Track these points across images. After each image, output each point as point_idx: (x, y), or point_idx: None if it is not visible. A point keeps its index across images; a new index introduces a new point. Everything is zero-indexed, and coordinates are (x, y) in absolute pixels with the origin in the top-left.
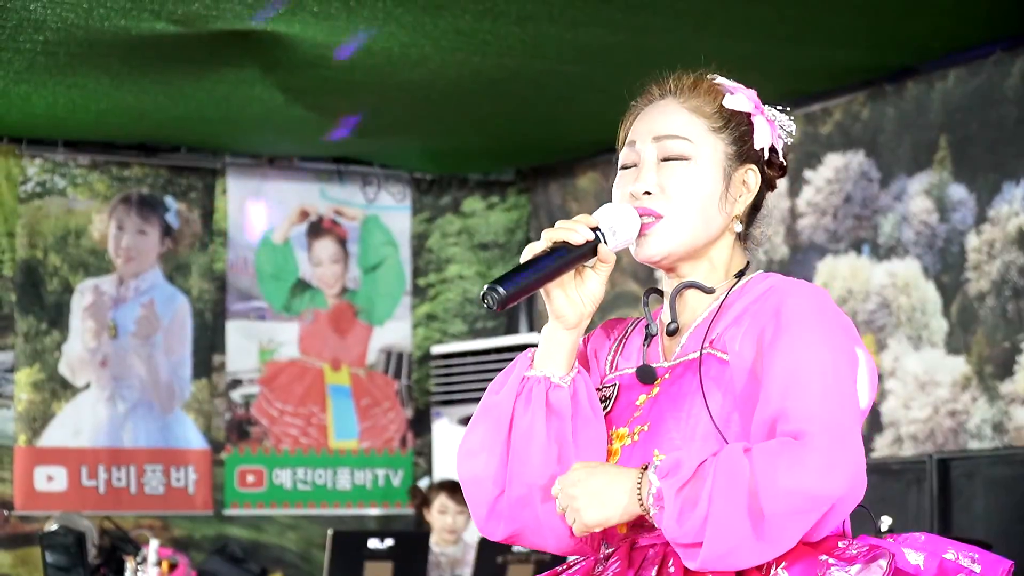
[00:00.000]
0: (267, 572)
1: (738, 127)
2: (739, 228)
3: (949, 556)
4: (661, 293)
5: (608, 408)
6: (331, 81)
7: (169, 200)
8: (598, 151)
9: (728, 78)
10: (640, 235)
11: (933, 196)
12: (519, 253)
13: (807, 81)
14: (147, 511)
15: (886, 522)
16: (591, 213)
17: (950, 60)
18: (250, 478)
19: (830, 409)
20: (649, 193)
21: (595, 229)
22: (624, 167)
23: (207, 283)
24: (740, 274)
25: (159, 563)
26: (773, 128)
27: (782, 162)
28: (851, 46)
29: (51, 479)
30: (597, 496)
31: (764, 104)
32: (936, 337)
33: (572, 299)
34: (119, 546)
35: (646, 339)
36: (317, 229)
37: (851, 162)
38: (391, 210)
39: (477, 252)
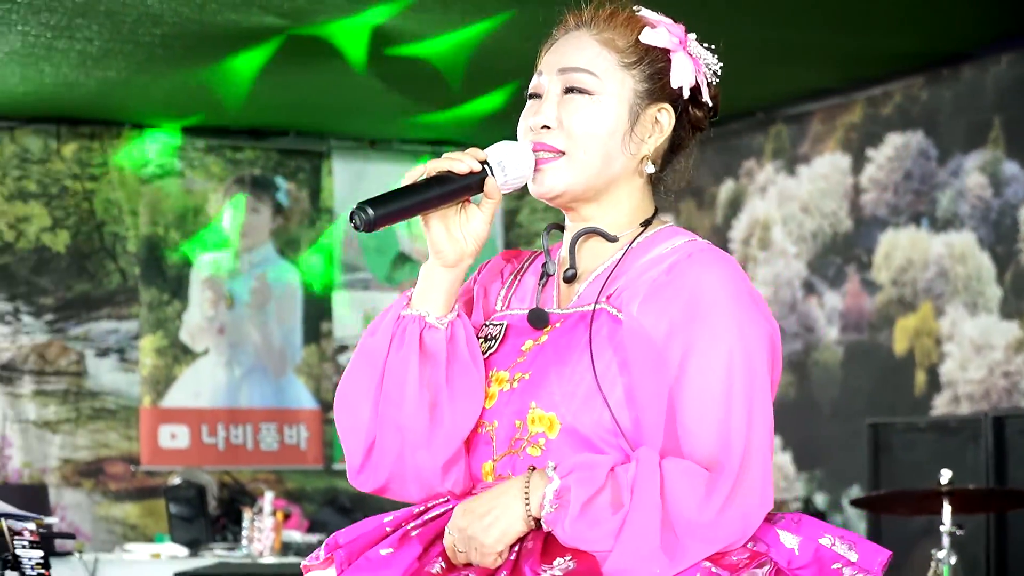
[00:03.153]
0: None
1: (653, 63)
2: (651, 169)
3: (825, 541)
4: (563, 229)
5: (493, 348)
6: (425, 69)
7: (279, 180)
8: None
9: (783, 62)
10: (536, 170)
11: (987, 172)
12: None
13: (869, 67)
14: (262, 466)
15: (946, 475)
16: (672, 192)
17: (1002, 46)
18: None
19: (750, 444)
20: (548, 128)
21: (484, 163)
22: (530, 96)
23: (315, 257)
24: (647, 223)
25: (274, 513)
26: (697, 66)
27: (709, 103)
28: (909, 33)
29: (174, 437)
30: (487, 516)
31: (702, 45)
32: (991, 303)
33: (453, 235)
34: (237, 498)
35: (542, 278)
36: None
37: (910, 141)
38: None
39: (558, 233)
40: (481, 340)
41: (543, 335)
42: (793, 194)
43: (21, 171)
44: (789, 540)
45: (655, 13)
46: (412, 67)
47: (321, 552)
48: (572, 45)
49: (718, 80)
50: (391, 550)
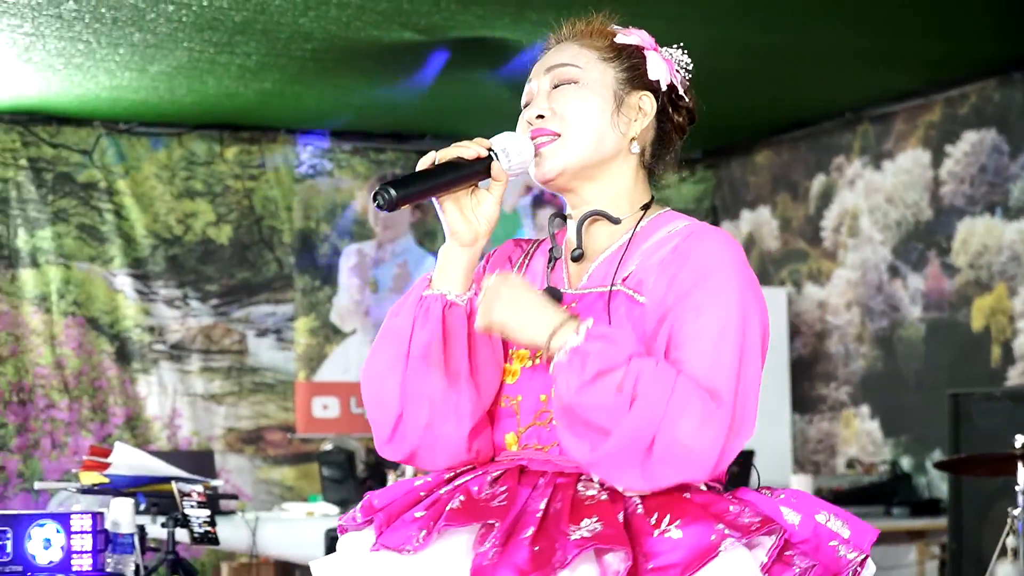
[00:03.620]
0: None
1: (630, 58)
2: (636, 149)
3: (820, 518)
4: (565, 218)
5: None
6: None
7: None
8: (771, 132)
9: (869, 67)
10: (536, 155)
11: None
12: (705, 218)
13: (947, 71)
14: None
15: (1020, 440)
16: (767, 186)
17: None
18: None
19: (743, 385)
20: (542, 116)
21: (489, 150)
22: (524, 105)
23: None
24: (646, 207)
25: (415, 475)
26: (670, 65)
27: (689, 105)
28: (983, 40)
29: (326, 408)
30: (516, 305)
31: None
32: None
33: (467, 217)
34: (381, 462)
35: (550, 262)
36: (539, 200)
37: (985, 138)
38: None
39: None
40: None
41: None
42: (879, 187)
43: (188, 172)
44: (791, 516)
45: (625, 29)
46: None
47: (358, 514)
48: (553, 53)
49: (690, 76)
50: (424, 513)
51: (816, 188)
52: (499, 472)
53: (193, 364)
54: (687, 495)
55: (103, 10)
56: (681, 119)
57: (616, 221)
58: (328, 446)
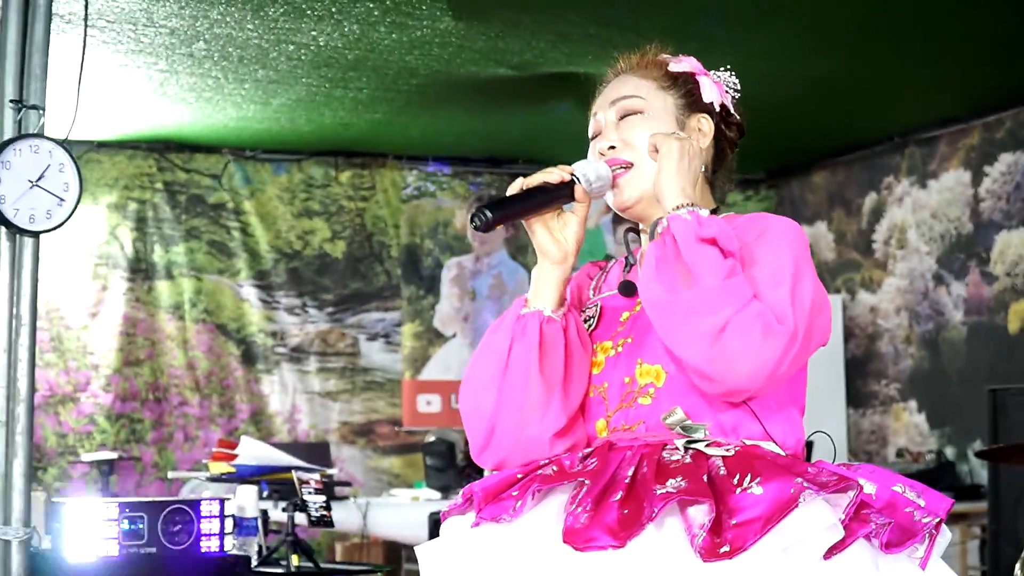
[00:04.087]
0: None
1: (685, 84)
2: (701, 169)
3: (897, 488)
4: (638, 232)
5: (593, 326)
6: None
7: None
8: (827, 154)
9: (915, 95)
10: (614, 186)
11: None
12: None
13: (985, 99)
14: None
15: None
16: (823, 203)
17: None
18: None
19: (805, 312)
20: (613, 147)
21: (572, 175)
22: (592, 138)
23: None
24: (713, 212)
25: None
26: (720, 87)
27: (739, 121)
28: (1018, 70)
29: (429, 404)
30: (679, 161)
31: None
32: None
33: (555, 237)
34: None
35: (626, 268)
36: (619, 217)
37: (1020, 159)
38: None
39: None
40: (584, 322)
41: (637, 305)
42: (924, 203)
43: (307, 194)
44: (868, 486)
45: (671, 56)
46: None
47: (460, 500)
48: (615, 85)
49: (738, 94)
50: (519, 492)
51: (868, 205)
52: (589, 450)
53: (311, 365)
54: (768, 456)
55: (230, 49)
56: (733, 134)
57: None
58: (431, 438)
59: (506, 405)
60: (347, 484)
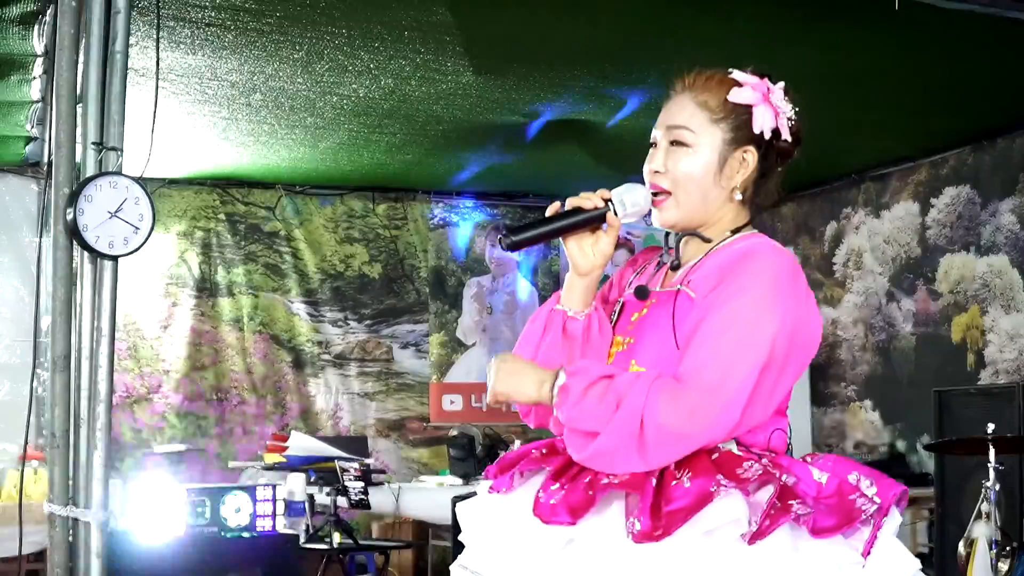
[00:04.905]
0: None
1: (738, 117)
2: (739, 197)
3: (851, 478)
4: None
5: (615, 320)
6: (624, 150)
7: None
8: (794, 189)
9: (871, 138)
10: (655, 206)
11: (1017, 213)
12: None
13: (931, 140)
14: (513, 422)
15: (991, 427)
16: (791, 231)
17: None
18: None
19: (718, 363)
20: (659, 172)
21: (607, 200)
22: (652, 144)
23: (547, 279)
24: (737, 230)
25: None
26: (776, 113)
27: (789, 144)
28: (959, 116)
29: (452, 403)
30: (511, 376)
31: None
32: (1020, 305)
33: (585, 252)
34: (496, 444)
35: (659, 266)
36: (617, 244)
37: (961, 193)
38: (661, 230)
39: None
40: (613, 314)
41: (645, 308)
42: (878, 231)
43: (348, 224)
44: (818, 474)
45: (746, 73)
46: (617, 145)
47: (494, 466)
48: (676, 106)
49: (795, 122)
50: (520, 467)
51: (829, 232)
52: None
53: (351, 370)
54: (714, 456)
55: (283, 100)
56: (786, 145)
57: (707, 240)
58: (454, 432)
59: None
60: (382, 472)
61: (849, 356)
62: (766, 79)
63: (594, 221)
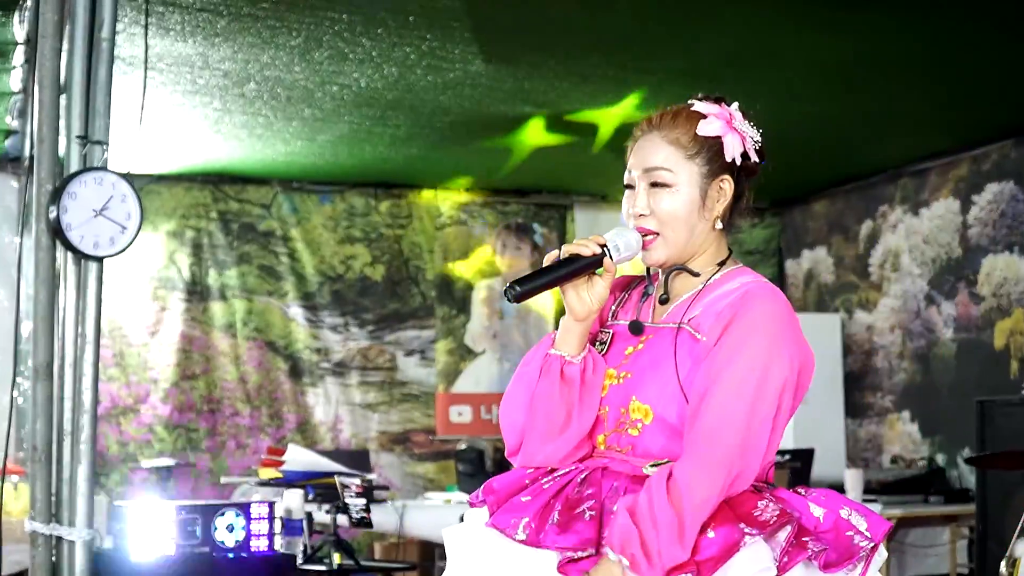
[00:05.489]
0: None
1: (710, 149)
2: (719, 226)
3: (843, 513)
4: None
5: (604, 350)
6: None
7: (536, 226)
8: (827, 185)
9: (909, 131)
10: (644, 248)
11: None
12: (772, 256)
13: (973, 134)
14: None
15: None
16: (823, 230)
17: None
18: None
19: (747, 432)
20: (644, 215)
21: (603, 245)
22: (627, 186)
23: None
24: (722, 263)
25: None
26: (743, 139)
27: (755, 164)
28: (1003, 107)
29: (460, 414)
30: None
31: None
32: None
33: (582, 298)
34: (506, 459)
35: (643, 297)
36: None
37: (1004, 189)
38: None
39: (743, 258)
40: (596, 344)
41: (640, 343)
42: (917, 230)
43: (349, 222)
44: (816, 511)
45: (706, 103)
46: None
47: (481, 493)
48: (649, 147)
49: (759, 142)
50: (529, 498)
51: (864, 231)
52: (587, 473)
53: (352, 379)
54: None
55: (279, 90)
56: (751, 164)
57: (696, 274)
58: (462, 445)
59: (531, 426)
60: (385, 488)
61: (885, 364)
62: (723, 104)
63: (593, 267)
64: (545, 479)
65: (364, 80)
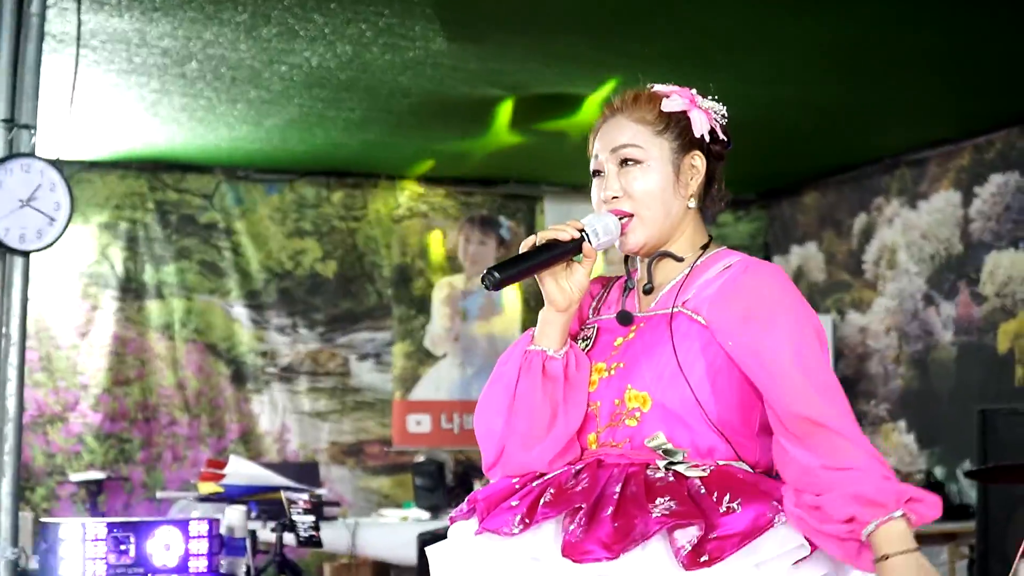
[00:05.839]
0: None
1: (678, 124)
2: (693, 204)
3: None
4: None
5: (589, 346)
6: None
7: (502, 219)
8: (818, 175)
9: (905, 118)
10: (622, 232)
11: None
12: (758, 252)
13: (975, 121)
14: None
15: None
16: (814, 224)
17: None
18: None
19: (842, 399)
20: (616, 197)
21: (581, 230)
22: (594, 174)
23: (530, 279)
24: (705, 247)
25: None
26: (709, 116)
27: (725, 141)
28: (1008, 93)
29: (419, 423)
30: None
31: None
32: None
33: (562, 287)
34: (469, 472)
35: (625, 291)
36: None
37: (1009, 180)
38: None
39: None
40: (579, 341)
41: (631, 333)
42: (914, 224)
43: (299, 214)
44: None
45: (664, 85)
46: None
47: (464, 507)
48: (614, 129)
49: (726, 120)
50: (519, 502)
51: (858, 226)
52: (581, 466)
53: (301, 385)
54: (740, 476)
55: (223, 70)
56: (719, 148)
57: (679, 259)
58: (421, 458)
59: (513, 430)
60: (336, 504)
61: (880, 369)
62: (687, 88)
63: (572, 253)
64: (535, 482)
65: (316, 59)
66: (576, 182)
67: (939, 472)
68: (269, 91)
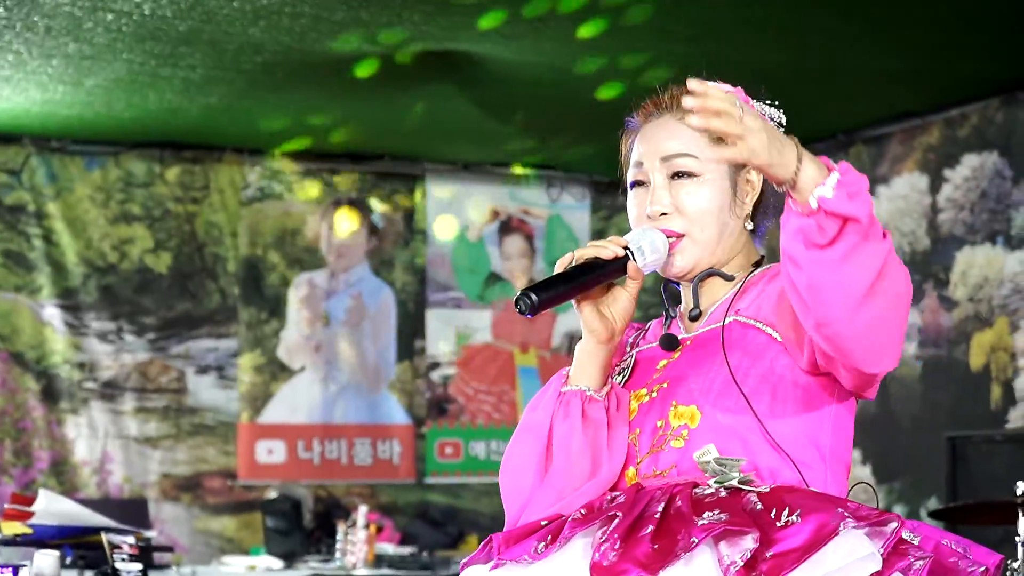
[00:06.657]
0: (463, 534)
1: None
2: (750, 226)
3: (944, 541)
4: (678, 284)
5: (626, 377)
6: (519, 96)
7: (374, 202)
8: None
9: (863, 86)
10: (669, 252)
11: None
12: None
13: (946, 91)
14: (356, 480)
15: (1022, 487)
16: None
17: None
18: (448, 450)
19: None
20: (666, 214)
21: (626, 248)
22: (636, 184)
23: (409, 276)
24: (757, 264)
25: (367, 526)
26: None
27: None
28: (984, 58)
29: (271, 452)
30: (771, 133)
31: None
32: None
33: (603, 315)
34: (331, 511)
35: (666, 322)
36: (507, 227)
37: (986, 162)
38: (573, 209)
39: None
40: (615, 375)
41: (675, 354)
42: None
43: (125, 194)
44: (907, 535)
45: (715, 82)
46: (513, 87)
47: (482, 546)
48: (663, 132)
49: (784, 126)
50: (541, 534)
51: None
52: (617, 493)
53: (127, 404)
54: (803, 490)
55: (36, 18)
56: None
57: (730, 278)
58: (273, 494)
59: (549, 486)
60: (169, 549)
61: None
62: (739, 88)
63: (615, 274)
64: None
65: (148, 6)
66: (466, 159)
67: (900, 511)
68: (91, 45)
